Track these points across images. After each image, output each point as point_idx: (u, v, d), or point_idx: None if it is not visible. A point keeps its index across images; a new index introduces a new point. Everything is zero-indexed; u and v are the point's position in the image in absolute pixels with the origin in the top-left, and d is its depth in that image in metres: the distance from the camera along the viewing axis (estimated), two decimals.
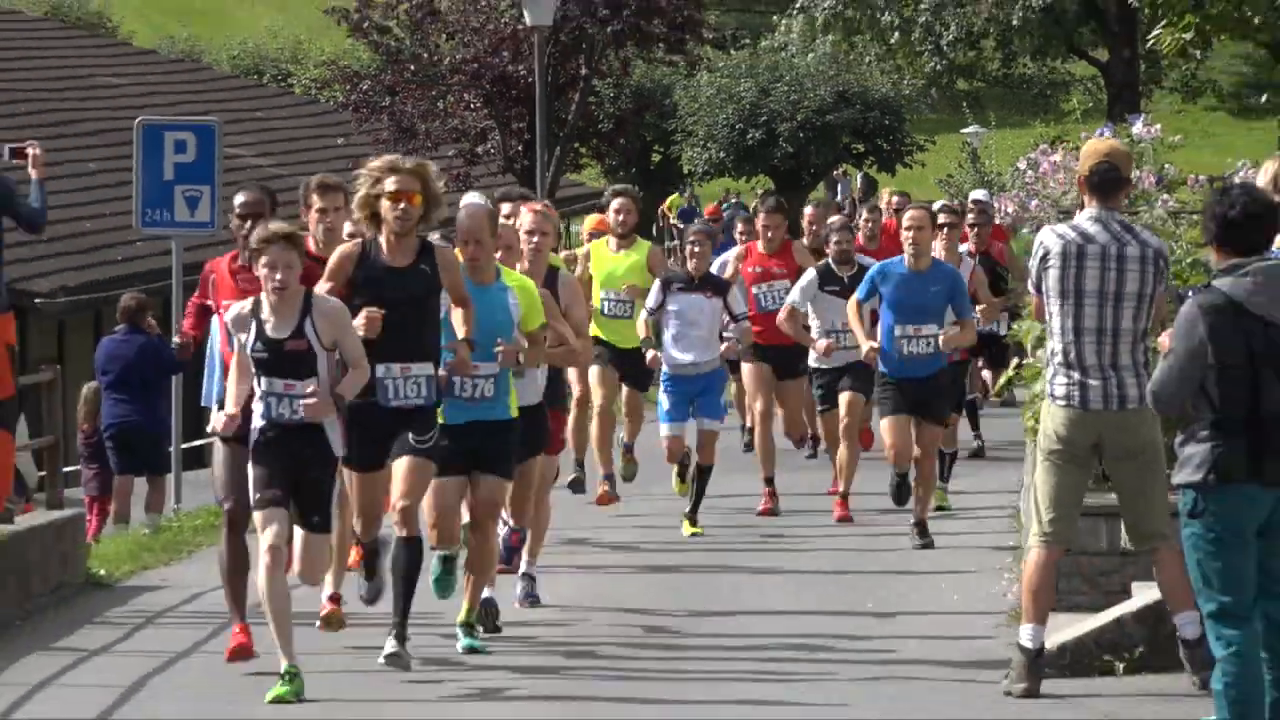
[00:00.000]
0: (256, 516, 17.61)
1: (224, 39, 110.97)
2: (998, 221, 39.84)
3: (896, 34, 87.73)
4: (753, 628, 22.83)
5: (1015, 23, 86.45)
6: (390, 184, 18.54)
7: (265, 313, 17.30)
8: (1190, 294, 18.19)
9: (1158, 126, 32.50)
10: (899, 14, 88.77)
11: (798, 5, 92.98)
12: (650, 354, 28.68)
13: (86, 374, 42.61)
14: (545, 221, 22.22)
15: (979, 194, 46.25)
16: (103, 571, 30.10)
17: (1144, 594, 21.87)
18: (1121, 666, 21.33)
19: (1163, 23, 46.15)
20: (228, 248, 25.22)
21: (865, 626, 23.08)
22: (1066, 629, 22.13)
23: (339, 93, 73.02)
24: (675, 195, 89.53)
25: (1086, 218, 20.06)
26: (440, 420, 20.20)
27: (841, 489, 29.49)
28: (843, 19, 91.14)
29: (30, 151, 26.90)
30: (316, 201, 20.12)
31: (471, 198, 20.66)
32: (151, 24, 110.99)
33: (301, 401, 17.49)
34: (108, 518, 37.40)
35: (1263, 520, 17.18)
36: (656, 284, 28.71)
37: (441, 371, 18.95)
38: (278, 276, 17.21)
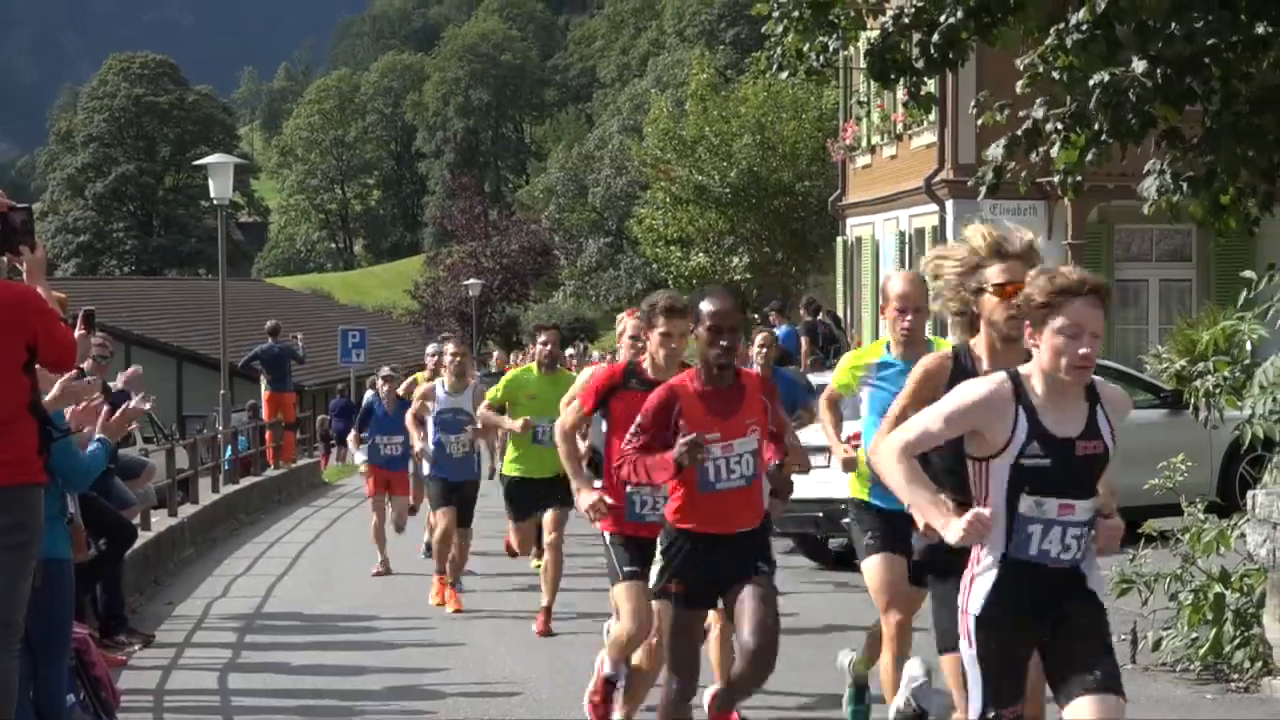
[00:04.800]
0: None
1: (370, 297, 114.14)
2: None
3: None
4: None
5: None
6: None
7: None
8: None
9: None
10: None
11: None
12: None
13: (320, 413, 50.97)
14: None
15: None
16: (326, 479, 36.31)
17: None
18: None
19: None
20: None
21: None
22: None
23: (407, 318, 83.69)
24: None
25: None
26: None
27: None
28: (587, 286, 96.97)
29: (297, 337, 33.38)
30: (662, 324, 9.74)
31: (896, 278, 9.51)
32: (347, 294, 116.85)
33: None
34: (328, 462, 41.77)
35: None
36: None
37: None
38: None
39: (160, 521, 20.77)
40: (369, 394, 40.80)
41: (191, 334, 66.37)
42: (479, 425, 15.71)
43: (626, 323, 10.87)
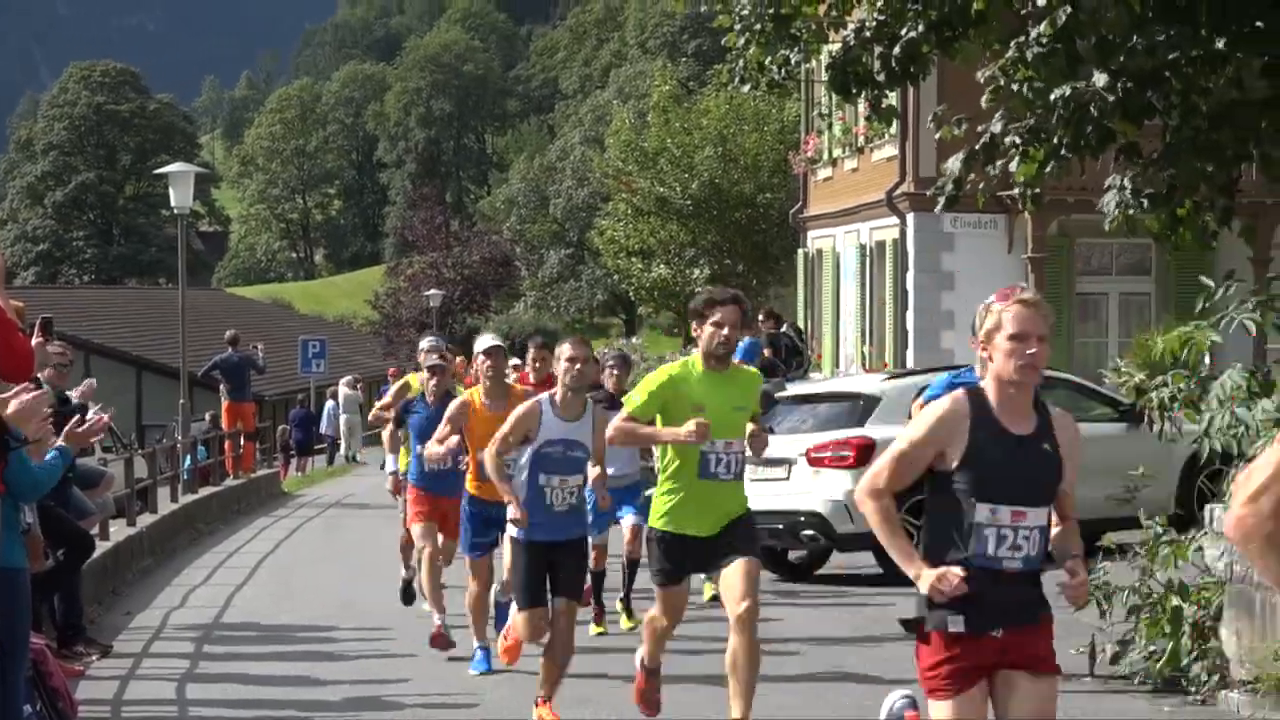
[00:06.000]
0: None
1: (331, 307, 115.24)
2: None
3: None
4: None
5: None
6: None
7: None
8: None
9: None
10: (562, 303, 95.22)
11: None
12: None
13: (280, 423, 50.92)
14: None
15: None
16: (285, 489, 36.30)
17: None
18: None
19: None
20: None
21: None
22: None
23: (368, 328, 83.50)
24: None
25: None
26: None
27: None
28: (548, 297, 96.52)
29: (257, 346, 32.76)
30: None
31: None
32: (307, 304, 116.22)
33: None
34: (287, 472, 42.04)
35: None
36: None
37: None
38: None
39: (119, 531, 20.63)
40: (330, 402, 40.27)
41: (151, 343, 66.11)
42: (600, 468, 11.08)
43: (1000, 315, 6.44)
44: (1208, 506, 11.84)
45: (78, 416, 9.27)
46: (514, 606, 11.51)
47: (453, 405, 12.83)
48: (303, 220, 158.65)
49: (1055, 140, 14.09)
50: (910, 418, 6.82)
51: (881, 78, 15.28)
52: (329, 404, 46.17)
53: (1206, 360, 12.57)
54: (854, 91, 15.85)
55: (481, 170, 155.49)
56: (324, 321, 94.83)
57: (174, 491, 26.81)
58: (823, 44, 16.93)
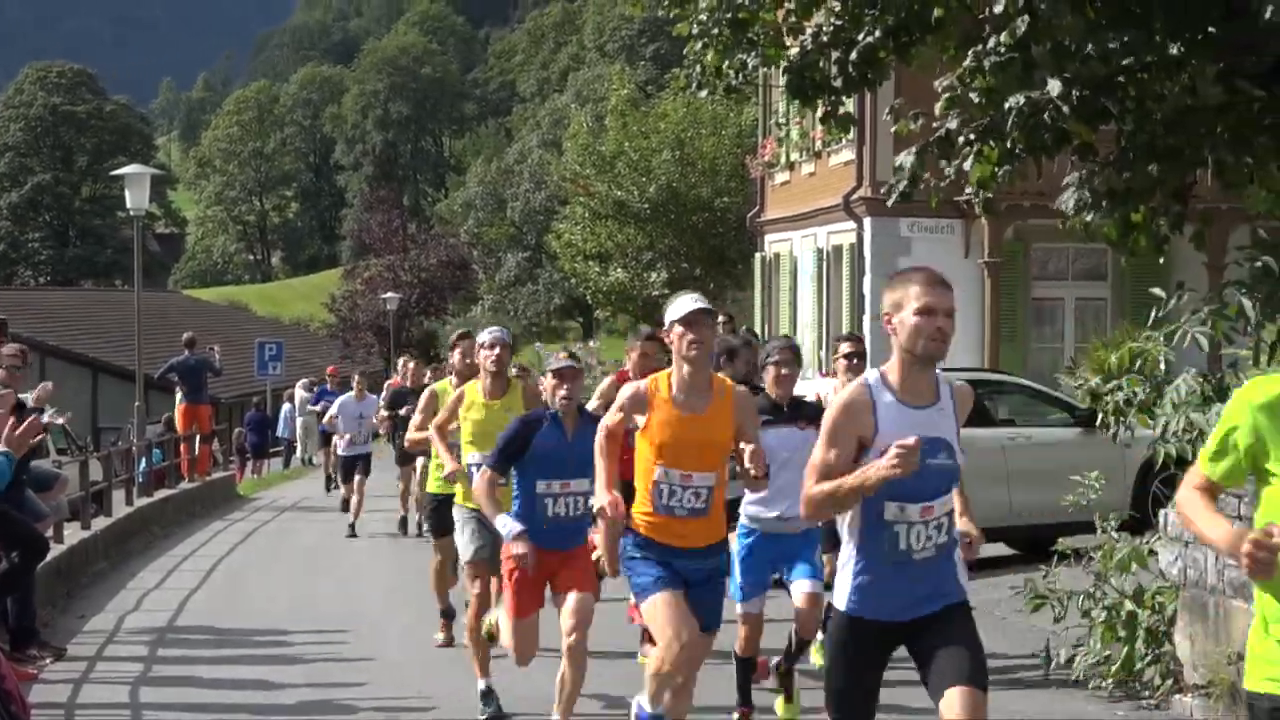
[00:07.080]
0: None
1: (287, 310, 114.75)
2: None
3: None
4: None
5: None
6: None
7: None
8: None
9: None
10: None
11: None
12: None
13: (235, 425, 50.65)
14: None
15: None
16: (241, 493, 35.99)
17: None
18: None
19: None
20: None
21: None
22: None
23: (324, 331, 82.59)
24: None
25: None
26: None
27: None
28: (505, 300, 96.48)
29: (213, 349, 32.57)
30: None
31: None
32: (264, 307, 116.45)
33: None
34: (243, 475, 41.94)
35: None
36: None
37: None
38: None
39: (73, 534, 20.50)
40: (286, 405, 39.07)
41: (107, 345, 65.90)
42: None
43: None
44: (1162, 511, 11.86)
45: (14, 419, 9.18)
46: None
47: (627, 389, 8.50)
48: (259, 222, 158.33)
49: (1009, 142, 14.08)
50: None
51: (839, 83, 15.26)
52: (285, 407, 45.97)
53: (1162, 364, 12.53)
54: (811, 96, 15.82)
55: (439, 173, 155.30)
56: (281, 324, 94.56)
57: (129, 494, 26.68)
58: (781, 50, 16.89)
